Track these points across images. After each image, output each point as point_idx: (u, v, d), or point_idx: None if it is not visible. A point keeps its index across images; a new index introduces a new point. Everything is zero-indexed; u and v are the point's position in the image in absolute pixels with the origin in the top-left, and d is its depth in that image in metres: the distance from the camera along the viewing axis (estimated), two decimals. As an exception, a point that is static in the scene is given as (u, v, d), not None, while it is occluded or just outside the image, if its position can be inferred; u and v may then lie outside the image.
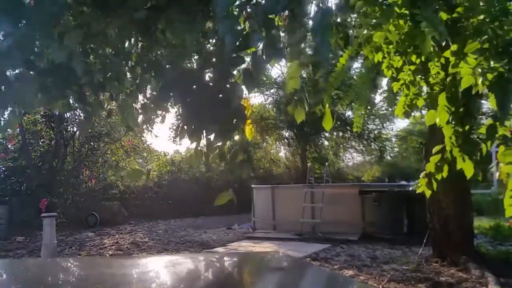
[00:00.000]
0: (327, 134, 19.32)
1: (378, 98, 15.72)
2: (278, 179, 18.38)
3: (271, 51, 1.75)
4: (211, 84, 2.00)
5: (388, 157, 20.59)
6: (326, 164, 13.03)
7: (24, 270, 1.62)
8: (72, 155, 13.79)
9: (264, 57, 1.77)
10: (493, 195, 12.58)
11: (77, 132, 13.78)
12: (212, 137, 2.01)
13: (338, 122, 17.79)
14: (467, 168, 2.74)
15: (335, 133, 19.10)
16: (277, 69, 17.77)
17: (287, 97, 2.45)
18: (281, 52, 1.83)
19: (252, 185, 12.21)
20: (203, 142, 2.06)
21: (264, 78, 17.98)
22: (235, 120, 1.93)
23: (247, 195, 11.67)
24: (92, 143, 13.98)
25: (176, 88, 2.00)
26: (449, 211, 5.67)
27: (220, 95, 1.93)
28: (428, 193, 3.04)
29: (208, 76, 2.05)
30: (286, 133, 19.55)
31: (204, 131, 1.99)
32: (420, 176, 3.11)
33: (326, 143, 20.43)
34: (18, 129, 12.28)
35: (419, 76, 3.19)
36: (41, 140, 13.42)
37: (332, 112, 2.81)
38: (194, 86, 1.99)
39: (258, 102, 18.93)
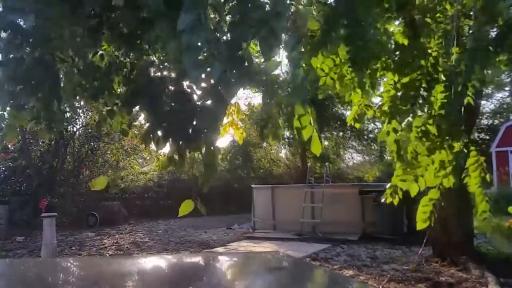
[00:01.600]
0: (327, 134, 19.33)
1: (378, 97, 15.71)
2: (278, 179, 18.37)
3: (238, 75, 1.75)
4: (187, 93, 1.98)
5: (388, 157, 20.58)
6: (326, 164, 13.03)
7: (24, 270, 1.62)
8: (72, 155, 13.78)
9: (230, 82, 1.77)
10: (493, 195, 12.57)
11: (77, 132, 13.78)
12: (179, 145, 1.99)
13: (338, 122, 17.82)
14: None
15: (335, 133, 19.11)
16: (278, 69, 17.74)
17: (263, 121, 2.51)
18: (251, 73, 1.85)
19: (252, 185, 12.21)
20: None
21: (264, 78, 17.94)
22: (203, 130, 1.91)
23: (247, 195, 11.66)
24: (92, 143, 13.97)
25: (144, 96, 1.98)
26: (449, 211, 5.67)
27: (197, 107, 1.91)
28: (395, 201, 3.39)
29: (185, 86, 2.03)
30: (286, 133, 19.56)
31: (170, 140, 1.97)
32: (387, 187, 3.47)
33: (326, 143, 20.42)
34: (18, 129, 12.28)
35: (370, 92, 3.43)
36: (41, 140, 13.42)
37: (332, 113, 2.95)
38: (163, 96, 1.99)
39: (258, 102, 18.93)
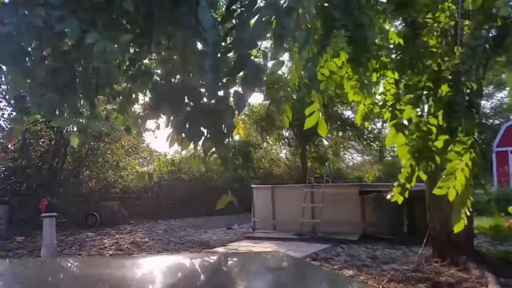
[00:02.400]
0: (326, 134, 19.33)
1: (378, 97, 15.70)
2: (278, 179, 18.37)
3: (252, 83, 1.79)
4: (203, 95, 2.02)
5: (388, 157, 20.59)
6: (326, 164, 13.03)
7: (24, 270, 1.62)
8: (72, 155, 13.78)
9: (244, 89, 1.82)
10: (493, 195, 12.58)
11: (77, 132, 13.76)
12: (202, 144, 2.05)
13: (338, 122, 17.82)
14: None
15: (335, 133, 19.11)
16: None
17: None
18: (261, 81, 1.90)
19: (252, 185, 12.21)
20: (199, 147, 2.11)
21: (265, 78, 17.95)
22: (224, 129, 1.96)
23: (247, 195, 11.66)
24: (92, 143, 13.96)
25: (168, 100, 2.03)
26: (449, 211, 5.67)
27: (212, 107, 1.95)
28: (400, 200, 3.45)
29: (200, 86, 2.08)
30: (286, 133, 19.57)
31: (193, 140, 2.04)
32: (394, 185, 3.51)
33: (326, 143, 20.43)
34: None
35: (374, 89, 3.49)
36: (41, 140, 13.41)
37: (331, 113, 3.02)
38: (186, 98, 2.03)
39: (258, 102, 18.94)
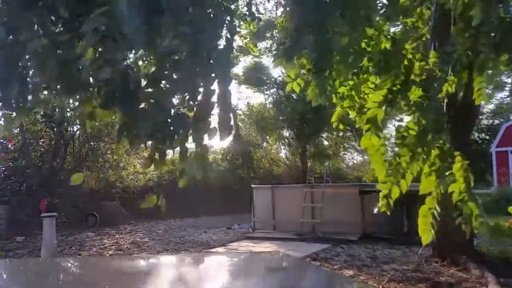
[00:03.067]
0: (328, 134, 19.33)
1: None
2: (278, 179, 18.37)
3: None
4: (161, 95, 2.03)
5: (388, 158, 20.58)
6: (326, 164, 13.04)
7: (24, 270, 1.62)
8: (72, 155, 13.78)
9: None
10: (493, 195, 12.58)
11: (77, 132, 13.78)
12: (153, 144, 2.04)
13: (338, 122, 17.81)
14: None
15: (335, 133, 19.11)
16: (278, 70, 17.75)
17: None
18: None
19: (252, 185, 12.21)
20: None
21: (265, 78, 17.98)
22: (176, 128, 1.95)
23: (247, 195, 11.67)
24: (92, 143, 13.97)
25: (119, 96, 2.01)
26: (449, 211, 5.67)
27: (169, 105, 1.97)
28: (383, 209, 3.34)
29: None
30: (286, 133, 19.57)
31: (143, 139, 2.02)
32: (380, 196, 3.39)
33: (326, 143, 20.44)
34: (18, 129, 12.29)
35: (353, 92, 3.47)
36: (41, 140, 13.41)
37: (332, 113, 3.00)
38: (138, 96, 2.02)
39: (258, 102, 18.96)
